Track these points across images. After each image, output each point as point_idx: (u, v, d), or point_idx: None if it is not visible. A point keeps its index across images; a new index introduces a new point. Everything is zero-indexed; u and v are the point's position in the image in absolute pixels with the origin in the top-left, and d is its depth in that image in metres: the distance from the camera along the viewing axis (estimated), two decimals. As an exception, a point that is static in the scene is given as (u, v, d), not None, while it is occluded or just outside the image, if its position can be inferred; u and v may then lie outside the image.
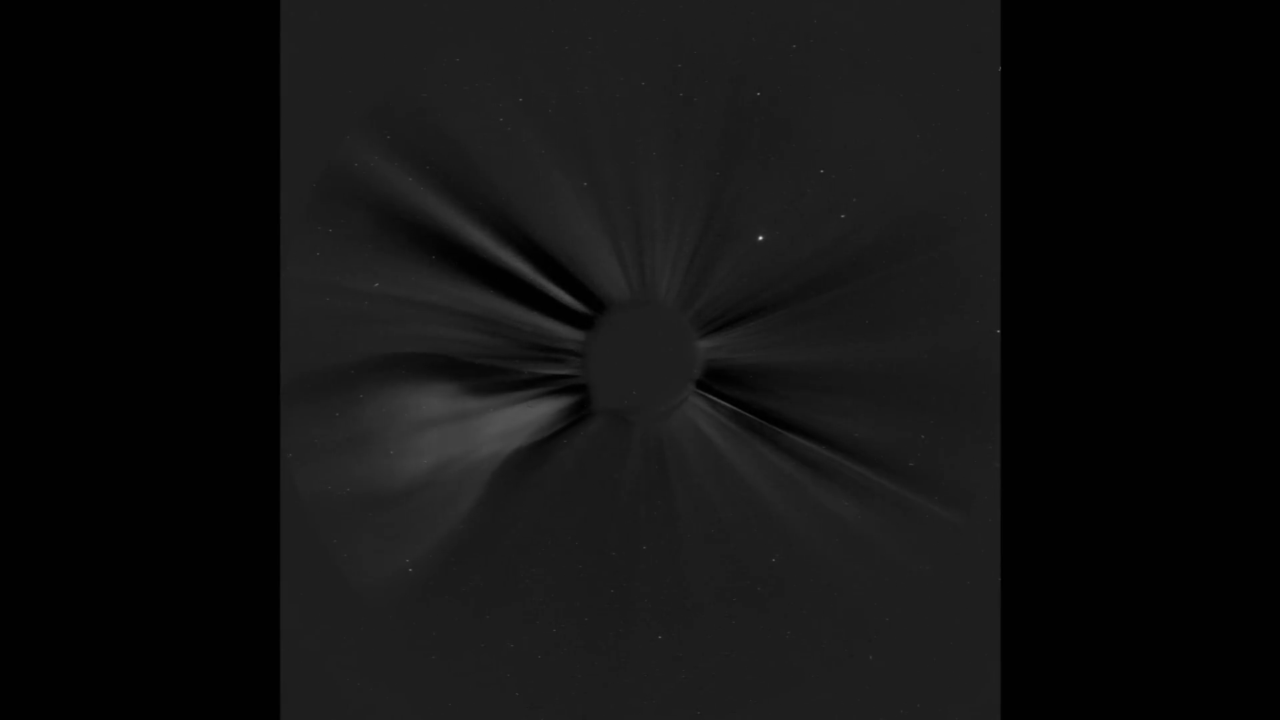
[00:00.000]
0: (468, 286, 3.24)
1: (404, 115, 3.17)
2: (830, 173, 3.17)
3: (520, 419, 3.34)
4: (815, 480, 3.23)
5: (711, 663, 3.23)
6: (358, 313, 3.26)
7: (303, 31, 3.13)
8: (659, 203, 3.22)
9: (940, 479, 3.20)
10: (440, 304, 3.29)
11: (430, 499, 3.32)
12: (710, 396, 3.28)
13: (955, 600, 3.20)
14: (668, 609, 3.24)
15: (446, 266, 3.22)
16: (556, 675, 3.23)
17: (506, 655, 3.23)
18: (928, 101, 3.15)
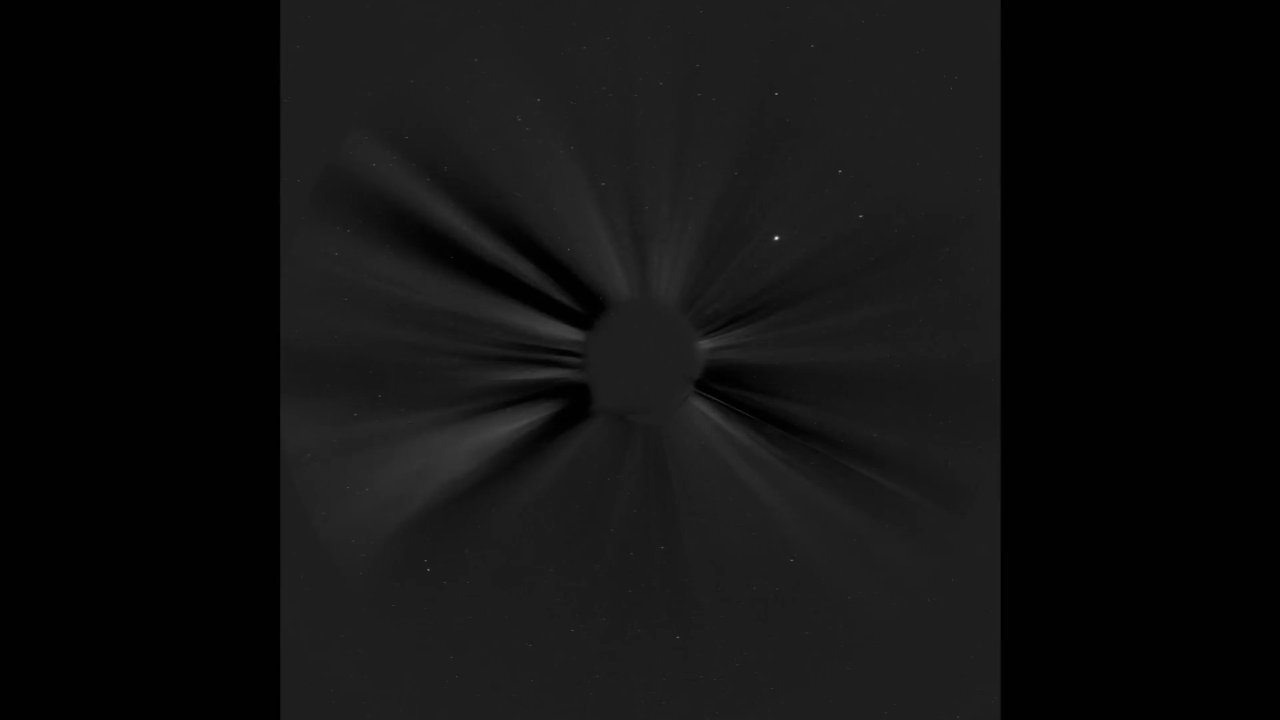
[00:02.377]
0: (459, 284, 3.22)
1: (404, 113, 3.17)
2: (841, 172, 3.17)
3: (448, 446, 3.16)
4: (815, 480, 3.23)
5: (723, 664, 3.23)
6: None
7: (302, 31, 3.13)
8: (662, 202, 3.22)
9: (941, 479, 3.20)
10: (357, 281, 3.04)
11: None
12: (711, 396, 3.28)
13: (955, 600, 3.20)
14: (675, 611, 3.24)
15: (443, 264, 3.22)
16: (570, 676, 3.23)
17: (523, 655, 3.22)
18: (929, 102, 3.16)
